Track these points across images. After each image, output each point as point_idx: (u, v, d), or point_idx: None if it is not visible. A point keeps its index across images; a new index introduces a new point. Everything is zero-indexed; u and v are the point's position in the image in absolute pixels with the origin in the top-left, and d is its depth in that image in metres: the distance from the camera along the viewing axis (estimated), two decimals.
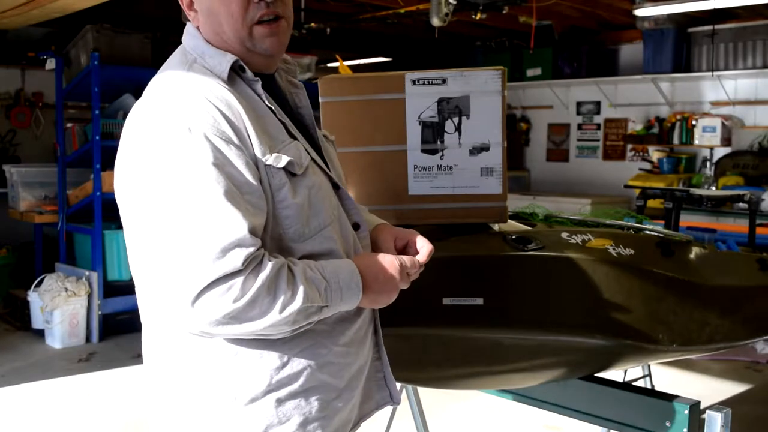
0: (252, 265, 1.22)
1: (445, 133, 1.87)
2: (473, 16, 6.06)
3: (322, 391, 1.38)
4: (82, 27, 5.78)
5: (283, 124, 1.40)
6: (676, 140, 7.53)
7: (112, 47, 5.73)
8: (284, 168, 1.33)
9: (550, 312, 1.87)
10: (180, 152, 1.24)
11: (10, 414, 4.24)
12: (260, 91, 1.40)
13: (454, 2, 5.56)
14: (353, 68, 5.14)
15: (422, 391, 2.86)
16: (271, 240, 1.32)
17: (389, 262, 1.42)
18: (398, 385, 2.72)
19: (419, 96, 1.86)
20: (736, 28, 7.01)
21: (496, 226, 1.98)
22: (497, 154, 1.87)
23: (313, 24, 7.19)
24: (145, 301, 1.41)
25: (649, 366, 3.51)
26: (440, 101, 1.86)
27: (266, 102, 1.40)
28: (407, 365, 1.93)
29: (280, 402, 1.34)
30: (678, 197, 3.42)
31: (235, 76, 1.39)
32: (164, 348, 1.39)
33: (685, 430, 1.90)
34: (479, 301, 1.78)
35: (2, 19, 5.70)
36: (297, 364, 1.35)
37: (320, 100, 1.92)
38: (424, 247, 1.52)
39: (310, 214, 1.36)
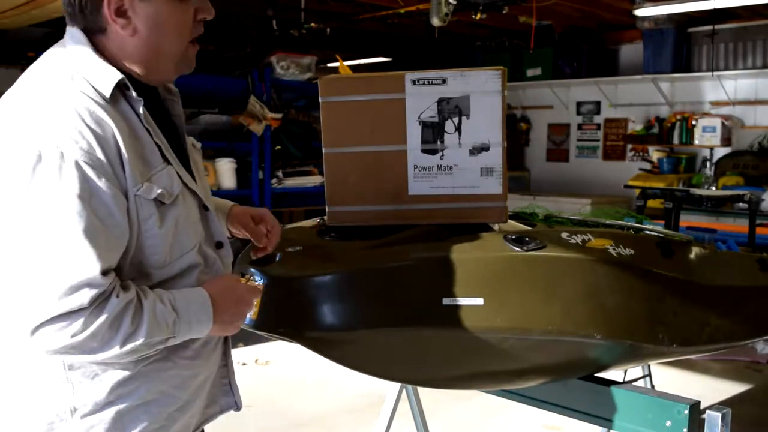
0: (98, 301, 1.21)
1: (445, 133, 1.87)
2: (473, 16, 6.05)
3: (164, 403, 1.39)
4: None
5: (158, 146, 1.37)
6: (676, 140, 7.54)
7: None
8: (154, 199, 1.31)
9: (550, 312, 1.86)
10: (48, 179, 1.20)
11: None
12: (140, 111, 1.34)
13: (454, 2, 5.56)
14: (353, 68, 5.14)
15: (422, 391, 2.85)
16: (131, 266, 1.32)
17: (240, 293, 1.44)
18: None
19: (419, 96, 1.86)
20: (736, 28, 7.01)
21: (496, 226, 1.98)
22: (497, 154, 1.87)
23: (313, 24, 7.20)
24: None
25: (649, 366, 3.50)
26: (440, 101, 1.86)
27: (144, 124, 1.35)
28: (407, 365, 1.93)
29: (120, 414, 1.34)
30: (678, 197, 3.43)
31: (117, 93, 1.33)
32: (4, 358, 1.35)
33: (685, 430, 1.90)
34: (479, 301, 1.78)
35: (2, 19, 5.70)
36: (139, 377, 1.35)
37: (320, 100, 1.92)
38: (274, 227, 1.70)
39: (174, 242, 1.36)
